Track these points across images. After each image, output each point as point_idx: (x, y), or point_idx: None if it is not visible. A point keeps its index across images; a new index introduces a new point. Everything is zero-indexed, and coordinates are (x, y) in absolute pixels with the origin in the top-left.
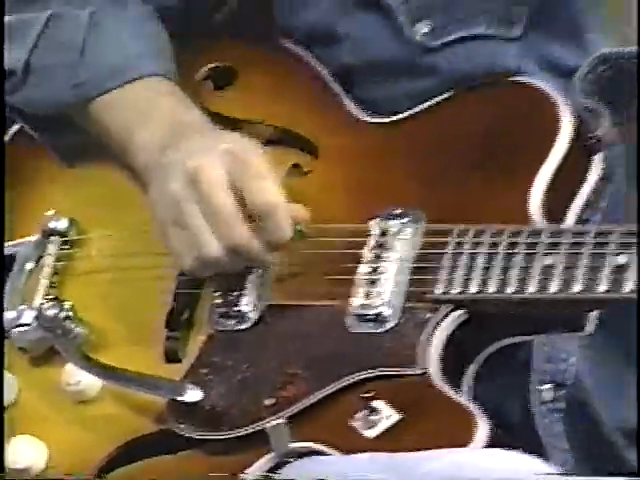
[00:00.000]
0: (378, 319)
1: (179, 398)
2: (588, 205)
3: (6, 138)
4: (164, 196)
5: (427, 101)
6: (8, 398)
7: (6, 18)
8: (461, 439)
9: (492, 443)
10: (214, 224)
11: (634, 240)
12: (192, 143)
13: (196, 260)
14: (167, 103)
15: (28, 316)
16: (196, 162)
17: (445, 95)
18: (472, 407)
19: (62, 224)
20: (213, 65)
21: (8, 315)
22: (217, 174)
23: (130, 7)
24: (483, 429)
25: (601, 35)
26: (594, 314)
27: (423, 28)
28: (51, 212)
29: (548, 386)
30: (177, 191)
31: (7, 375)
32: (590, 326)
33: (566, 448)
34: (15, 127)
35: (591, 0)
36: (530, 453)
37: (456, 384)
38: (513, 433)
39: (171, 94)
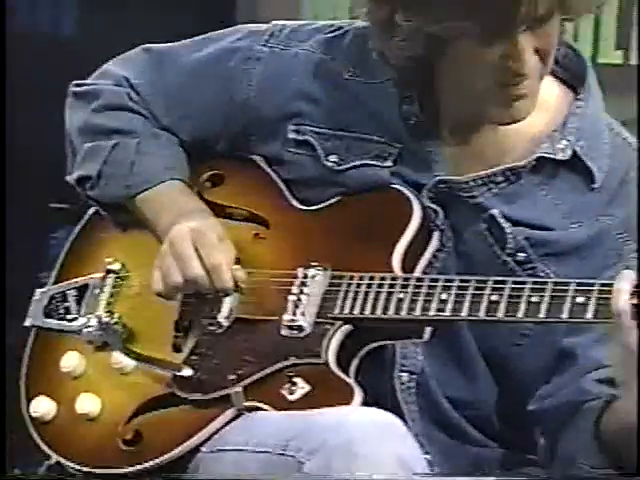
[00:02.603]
0: (299, 328)
1: (178, 374)
2: (429, 264)
3: (85, 217)
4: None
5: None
6: (78, 370)
7: (84, 145)
8: (344, 403)
9: (363, 406)
10: (180, 266)
11: (454, 284)
12: (185, 224)
13: (164, 286)
14: (179, 197)
15: (93, 321)
16: (174, 233)
17: (345, 195)
18: (353, 385)
19: (116, 266)
20: (210, 172)
21: (81, 321)
22: (185, 240)
23: (162, 138)
24: (358, 398)
25: (440, 164)
26: (428, 328)
27: (333, 159)
28: (110, 259)
29: (405, 374)
30: (163, 251)
31: (79, 356)
32: (426, 336)
33: (416, 410)
34: (91, 210)
35: (435, 142)
36: (394, 412)
37: (345, 370)
38: (385, 400)
39: (182, 192)
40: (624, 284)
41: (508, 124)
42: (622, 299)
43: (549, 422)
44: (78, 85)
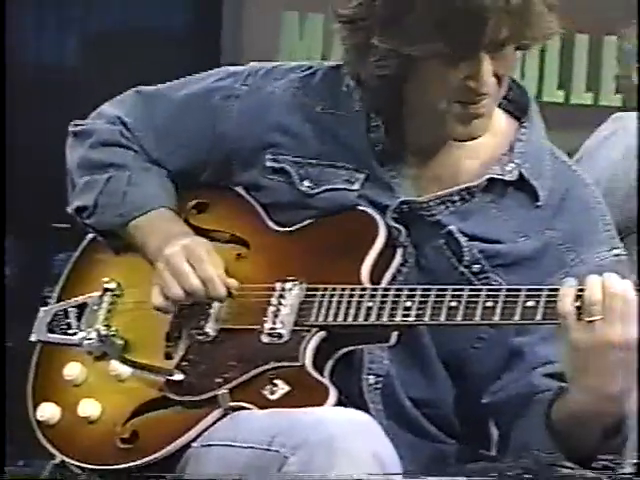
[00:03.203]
0: (279, 336)
1: (170, 378)
2: (394, 277)
3: (84, 242)
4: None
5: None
6: (79, 378)
7: (82, 179)
8: (320, 402)
9: (336, 405)
10: (179, 280)
11: (417, 293)
12: (176, 244)
13: (164, 300)
14: (166, 223)
15: (92, 334)
16: (168, 252)
17: (317, 217)
18: (328, 384)
19: (112, 285)
20: (196, 201)
21: (81, 334)
22: (179, 257)
23: (152, 171)
24: (332, 397)
25: (401, 188)
26: (395, 333)
27: (307, 184)
28: (107, 279)
29: (372, 377)
30: (160, 269)
31: (80, 365)
32: (392, 340)
33: (381, 409)
34: (90, 236)
35: (398, 166)
36: (360, 410)
37: (320, 372)
38: (354, 402)
39: (169, 218)
40: (568, 289)
41: (466, 140)
42: (567, 302)
43: (502, 414)
44: (76, 125)
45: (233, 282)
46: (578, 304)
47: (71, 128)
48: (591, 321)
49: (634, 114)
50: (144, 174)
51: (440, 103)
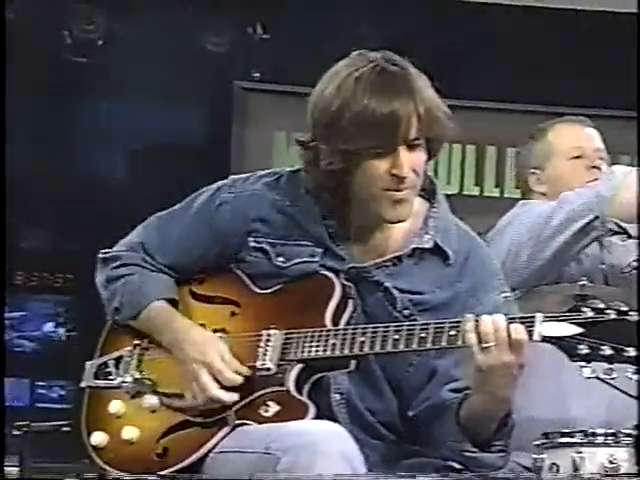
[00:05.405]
0: (268, 369)
1: (191, 405)
2: (348, 321)
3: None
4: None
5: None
6: (121, 412)
7: (106, 291)
8: (303, 416)
9: (315, 418)
10: (204, 392)
11: (368, 330)
12: (180, 336)
13: (200, 398)
14: (166, 315)
15: (128, 378)
16: (193, 370)
17: (290, 282)
18: (308, 402)
19: (140, 341)
20: (197, 276)
21: (119, 379)
22: (202, 371)
23: (158, 274)
24: (312, 411)
25: (349, 257)
26: (353, 361)
27: (280, 259)
28: (138, 341)
29: (338, 394)
30: (190, 380)
31: (119, 402)
32: (352, 366)
33: (346, 418)
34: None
35: (346, 242)
36: (331, 421)
37: (301, 393)
38: (325, 414)
39: (168, 311)
40: (469, 325)
41: (395, 222)
42: (470, 335)
43: (424, 420)
44: (104, 253)
45: (244, 369)
46: (478, 335)
47: (100, 255)
48: (485, 348)
49: (533, 201)
50: (152, 275)
51: (373, 190)
